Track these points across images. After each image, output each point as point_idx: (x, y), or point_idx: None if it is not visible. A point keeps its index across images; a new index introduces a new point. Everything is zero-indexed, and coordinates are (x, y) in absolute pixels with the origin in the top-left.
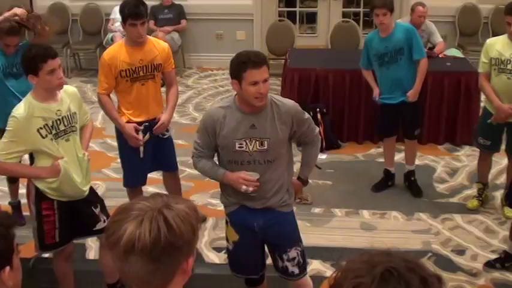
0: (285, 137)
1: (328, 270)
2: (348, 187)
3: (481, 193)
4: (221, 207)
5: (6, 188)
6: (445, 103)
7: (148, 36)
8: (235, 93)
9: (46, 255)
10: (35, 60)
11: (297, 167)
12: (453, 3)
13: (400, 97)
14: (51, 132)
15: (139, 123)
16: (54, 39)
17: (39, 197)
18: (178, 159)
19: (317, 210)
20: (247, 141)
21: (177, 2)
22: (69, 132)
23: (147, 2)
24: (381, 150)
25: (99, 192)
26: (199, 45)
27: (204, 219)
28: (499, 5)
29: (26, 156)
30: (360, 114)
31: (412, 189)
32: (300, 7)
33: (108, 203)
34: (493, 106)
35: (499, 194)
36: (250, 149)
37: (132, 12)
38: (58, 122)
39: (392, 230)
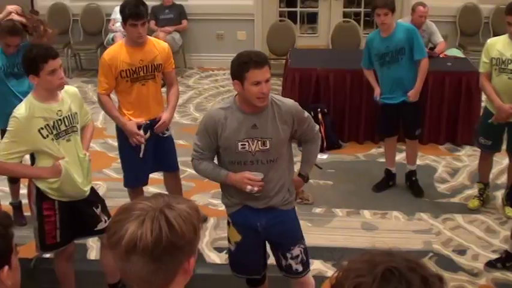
0: (286, 137)
1: (329, 270)
2: (348, 187)
3: (482, 193)
4: (222, 207)
5: (7, 189)
6: (446, 103)
7: (148, 36)
8: (235, 93)
9: (47, 255)
10: (35, 60)
11: (297, 167)
12: (454, 3)
13: (401, 97)
14: (52, 133)
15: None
16: (54, 39)
17: (40, 197)
18: (179, 159)
19: (318, 210)
20: (249, 141)
21: (177, 2)
22: (70, 132)
23: (147, 2)
24: (381, 150)
25: (100, 192)
26: (200, 45)
27: (205, 219)
28: (500, 5)
29: (27, 157)
30: (361, 114)
31: (413, 189)
32: (300, 7)
33: (109, 203)
34: (494, 106)
35: (500, 194)
36: (253, 149)
37: (133, 13)
38: (59, 122)
39: (394, 230)
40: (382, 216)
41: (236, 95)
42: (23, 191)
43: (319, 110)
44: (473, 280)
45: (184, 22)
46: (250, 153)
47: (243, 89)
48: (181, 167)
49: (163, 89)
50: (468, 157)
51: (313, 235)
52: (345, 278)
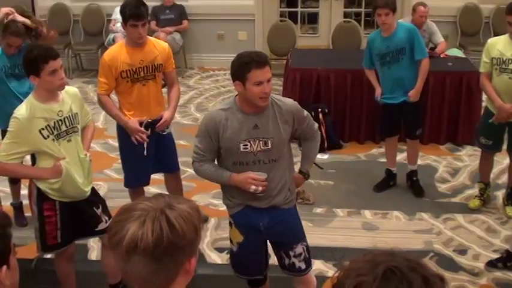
0: (287, 136)
1: (330, 270)
2: (349, 187)
3: (482, 193)
4: (223, 208)
5: (8, 189)
6: (447, 103)
7: (148, 36)
8: (236, 93)
9: (48, 256)
10: (36, 61)
11: (297, 167)
12: (454, 3)
13: (402, 97)
14: (53, 133)
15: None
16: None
17: (41, 198)
18: (179, 159)
19: (319, 210)
20: (251, 141)
21: (178, 3)
22: (71, 132)
23: (148, 3)
24: (382, 150)
25: (101, 192)
26: (201, 45)
27: (206, 220)
28: (500, 4)
29: (28, 157)
30: (362, 114)
31: (414, 189)
32: (301, 7)
33: (109, 203)
34: (495, 106)
35: (500, 194)
36: (255, 149)
37: (133, 13)
38: (60, 122)
39: (394, 230)
40: (382, 216)
41: (236, 96)
42: (24, 191)
43: (319, 110)
44: (474, 280)
45: (185, 22)
46: (252, 154)
47: (244, 89)
48: (182, 168)
49: (164, 90)
50: (469, 157)
51: (314, 235)
52: (346, 277)
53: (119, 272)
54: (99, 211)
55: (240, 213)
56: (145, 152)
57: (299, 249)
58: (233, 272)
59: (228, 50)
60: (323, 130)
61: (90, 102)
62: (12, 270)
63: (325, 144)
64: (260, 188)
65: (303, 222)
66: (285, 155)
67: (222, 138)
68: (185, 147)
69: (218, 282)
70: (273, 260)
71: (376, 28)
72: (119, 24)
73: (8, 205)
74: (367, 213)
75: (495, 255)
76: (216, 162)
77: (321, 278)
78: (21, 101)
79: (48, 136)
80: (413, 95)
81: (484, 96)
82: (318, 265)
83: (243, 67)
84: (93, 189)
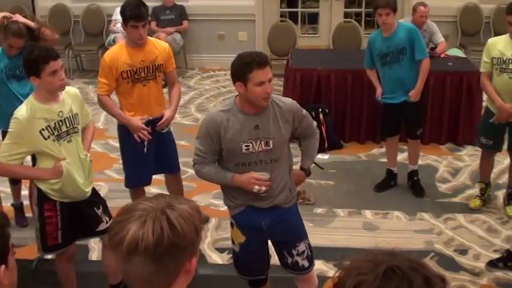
0: (288, 135)
1: (330, 270)
2: (350, 187)
3: (483, 193)
4: (223, 208)
5: (8, 190)
6: (447, 103)
7: (148, 37)
8: (236, 94)
9: (49, 256)
10: (36, 61)
11: (297, 167)
12: (455, 3)
13: (402, 97)
14: (53, 134)
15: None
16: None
17: (41, 198)
18: (180, 160)
19: (319, 210)
20: (252, 142)
21: (178, 3)
22: (71, 133)
23: (148, 3)
24: (383, 150)
25: (102, 193)
26: (201, 46)
27: (206, 220)
28: (501, 4)
29: (29, 158)
30: (362, 114)
31: (414, 189)
32: (301, 7)
33: (110, 204)
34: (495, 106)
35: (501, 194)
36: (256, 149)
37: (134, 14)
38: (60, 123)
39: (395, 230)
40: (383, 216)
41: (236, 97)
42: (25, 192)
43: (320, 110)
44: (475, 280)
45: (185, 23)
46: (254, 154)
47: (246, 90)
48: (182, 168)
49: (165, 90)
50: (469, 157)
51: (314, 235)
52: (347, 276)
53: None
54: (99, 211)
55: (241, 213)
56: (145, 150)
57: (302, 247)
58: (235, 272)
59: (228, 51)
60: (323, 130)
61: (91, 102)
62: (11, 270)
63: (326, 145)
64: (263, 188)
65: (304, 223)
66: (285, 155)
67: (223, 140)
68: (186, 147)
69: (219, 282)
70: (274, 260)
71: (377, 28)
72: (119, 25)
73: (8, 206)
74: (368, 213)
75: (496, 255)
76: (216, 163)
77: (322, 278)
78: (22, 102)
79: (48, 137)
80: (414, 95)
81: (485, 96)
82: (318, 265)
83: (244, 68)
84: (93, 189)
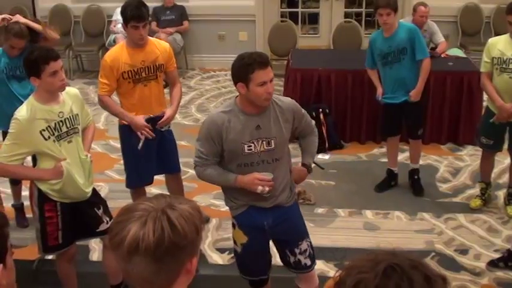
0: (289, 134)
1: (331, 270)
2: (350, 187)
3: (483, 192)
4: (224, 208)
5: (9, 190)
6: (448, 103)
7: (149, 37)
8: (236, 95)
9: (49, 257)
10: (37, 62)
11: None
12: (455, 3)
13: (403, 97)
14: (53, 134)
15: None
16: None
17: (42, 199)
18: (180, 160)
19: (320, 210)
20: (254, 142)
21: (179, 3)
22: (72, 133)
23: (148, 4)
24: (383, 150)
25: (102, 193)
26: (202, 46)
27: (207, 220)
28: (501, 4)
29: (29, 158)
30: (363, 115)
31: (414, 188)
32: (302, 8)
33: (110, 204)
34: (495, 105)
35: (501, 193)
36: (258, 149)
37: (135, 15)
38: (60, 123)
39: (396, 230)
40: (384, 216)
41: (236, 97)
42: (25, 192)
43: (320, 110)
44: (476, 279)
45: (186, 23)
46: (257, 154)
47: (248, 90)
48: (183, 168)
49: (166, 90)
50: (470, 157)
51: (315, 235)
52: (347, 275)
53: (120, 272)
54: (100, 212)
55: (243, 214)
56: (139, 146)
57: (304, 245)
58: (236, 272)
59: (228, 51)
60: (324, 130)
61: (91, 103)
62: (9, 270)
63: (326, 145)
64: (267, 189)
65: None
66: (286, 154)
67: (225, 141)
68: (186, 148)
69: (219, 282)
70: (274, 260)
71: (377, 28)
72: (119, 25)
73: (9, 206)
74: (369, 213)
75: (496, 255)
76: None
77: (323, 278)
78: (22, 103)
79: (49, 137)
80: (414, 95)
81: (485, 96)
82: (319, 265)
83: (245, 68)
84: (94, 190)
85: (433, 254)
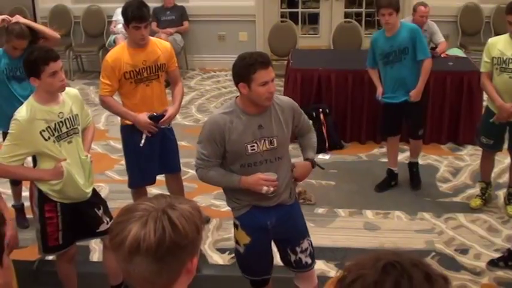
0: (289, 133)
1: (331, 270)
2: (351, 187)
3: (484, 192)
4: (225, 209)
5: (9, 191)
6: (448, 103)
7: (150, 37)
8: (236, 95)
9: (50, 257)
10: (36, 62)
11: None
12: (455, 3)
13: (403, 96)
14: (53, 135)
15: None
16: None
17: (42, 199)
18: (181, 160)
19: (320, 210)
20: (257, 142)
21: (179, 4)
22: (72, 134)
23: (149, 4)
24: (383, 150)
25: (102, 194)
26: (202, 46)
27: (207, 220)
28: (501, 4)
29: (29, 159)
30: (363, 115)
31: (412, 181)
32: (302, 8)
33: (110, 205)
34: (495, 105)
35: (502, 193)
36: (261, 149)
37: (136, 15)
38: (60, 124)
39: (396, 230)
40: (384, 216)
41: (236, 98)
42: (25, 193)
43: (321, 110)
44: (476, 279)
45: (186, 23)
46: (259, 154)
47: (250, 91)
48: (183, 168)
49: (168, 90)
50: (470, 156)
51: (315, 235)
52: (349, 271)
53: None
54: (100, 212)
55: (246, 214)
56: (141, 143)
57: (305, 244)
58: (237, 272)
59: (229, 51)
60: (324, 130)
61: (92, 103)
62: (6, 270)
63: (327, 145)
64: (272, 189)
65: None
66: (287, 152)
67: (228, 142)
68: (186, 148)
69: (220, 282)
70: (274, 259)
71: (377, 28)
72: (120, 26)
73: (9, 207)
74: (369, 213)
75: (497, 255)
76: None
77: (323, 278)
78: (22, 104)
79: (49, 138)
80: (414, 95)
81: (485, 96)
82: (319, 265)
83: (247, 68)
84: (94, 190)
85: (433, 253)
